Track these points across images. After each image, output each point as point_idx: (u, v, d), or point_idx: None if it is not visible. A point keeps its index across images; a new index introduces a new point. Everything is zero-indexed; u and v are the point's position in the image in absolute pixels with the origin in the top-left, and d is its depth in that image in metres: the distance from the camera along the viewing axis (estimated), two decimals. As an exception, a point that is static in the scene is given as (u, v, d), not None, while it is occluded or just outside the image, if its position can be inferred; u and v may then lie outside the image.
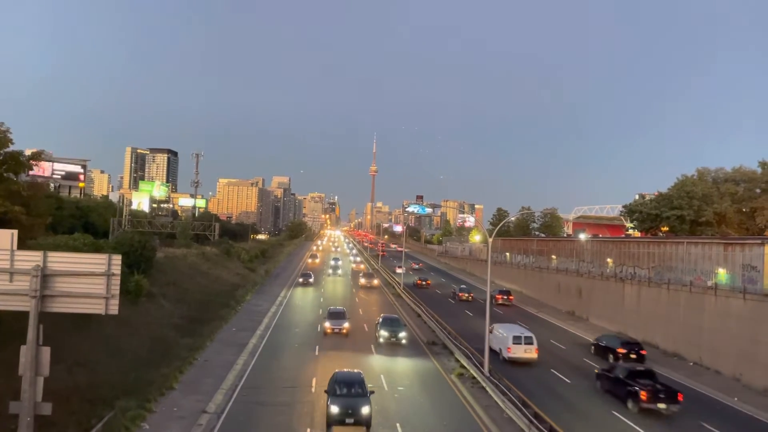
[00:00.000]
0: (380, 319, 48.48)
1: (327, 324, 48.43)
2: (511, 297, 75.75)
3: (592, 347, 47.89)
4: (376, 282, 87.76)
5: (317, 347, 44.25)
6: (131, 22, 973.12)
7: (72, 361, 29.34)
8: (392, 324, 46.73)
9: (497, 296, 73.80)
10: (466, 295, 77.58)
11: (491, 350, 39.89)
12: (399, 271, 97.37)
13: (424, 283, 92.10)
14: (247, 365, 38.28)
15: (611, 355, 44.22)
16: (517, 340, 42.36)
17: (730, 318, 41.70)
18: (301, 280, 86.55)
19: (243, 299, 64.80)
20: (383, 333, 45.37)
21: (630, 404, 32.55)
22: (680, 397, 32.02)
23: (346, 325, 48.48)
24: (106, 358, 32.76)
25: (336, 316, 49.59)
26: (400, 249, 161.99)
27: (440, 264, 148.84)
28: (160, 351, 37.86)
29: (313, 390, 33.22)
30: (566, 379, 38.99)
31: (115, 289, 20.18)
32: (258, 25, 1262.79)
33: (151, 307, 47.71)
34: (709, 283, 46.37)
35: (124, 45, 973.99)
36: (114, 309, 20.27)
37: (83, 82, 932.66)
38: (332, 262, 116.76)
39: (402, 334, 45.47)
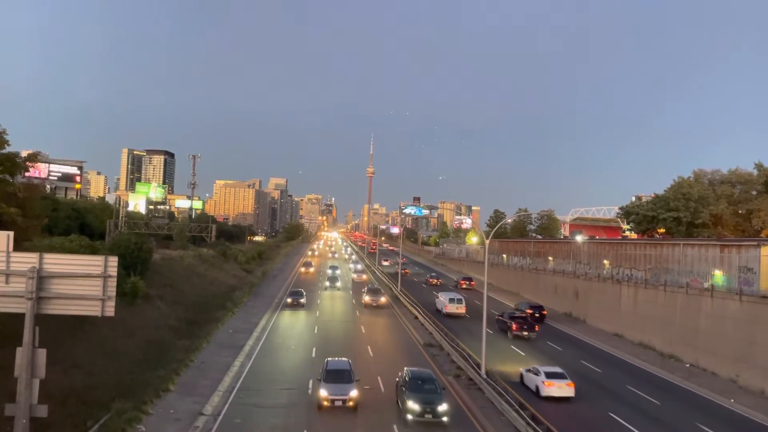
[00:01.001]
0: (406, 377, 31.31)
1: (323, 392, 29.81)
2: (472, 283, 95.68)
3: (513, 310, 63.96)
4: (383, 300, 69.55)
5: None
6: (128, 23, 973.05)
7: (68, 363, 29.28)
8: (425, 388, 30.12)
9: (461, 282, 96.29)
10: (435, 280, 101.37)
11: (436, 310, 65.00)
12: (385, 263, 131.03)
13: (403, 271, 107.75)
14: (243, 367, 38.24)
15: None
16: (451, 301, 64.54)
17: (727, 320, 41.79)
18: (289, 300, 65.73)
19: (240, 301, 64.73)
20: (413, 406, 28.67)
21: (508, 334, 52.69)
22: (537, 329, 53.96)
23: (354, 393, 30.04)
24: (102, 360, 32.70)
25: (337, 376, 31.11)
26: (391, 248, 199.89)
27: (436, 265, 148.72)
28: (156, 353, 37.82)
29: (309, 392, 33.23)
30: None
31: (112, 291, 20.14)
32: (255, 26, 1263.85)
33: (148, 308, 47.63)
34: (706, 285, 46.46)
35: (121, 45, 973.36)
36: (110, 311, 20.23)
37: (79, 83, 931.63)
38: (329, 272, 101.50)
39: (442, 408, 28.97)
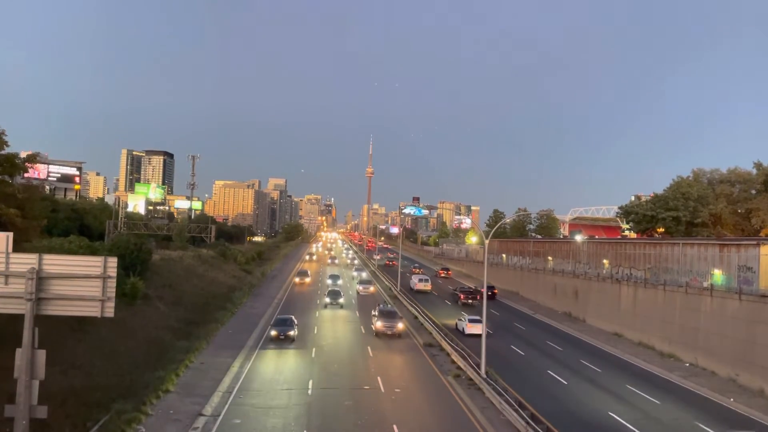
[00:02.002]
0: None
1: None
2: (449, 272, 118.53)
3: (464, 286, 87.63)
4: (400, 326, 51.77)
5: None
6: (127, 24, 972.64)
7: (68, 364, 29.26)
8: None
9: (440, 272, 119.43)
10: (418, 270, 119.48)
11: (409, 288, 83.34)
12: (376, 257, 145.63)
13: (390, 263, 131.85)
14: (243, 368, 38.22)
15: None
16: (420, 281, 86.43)
17: (726, 319, 41.79)
18: (274, 333, 47.10)
19: (239, 301, 64.73)
20: None
21: (458, 302, 74.77)
22: (479, 297, 72.09)
23: None
24: (102, 361, 32.68)
25: None
26: (386, 246, 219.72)
27: (435, 265, 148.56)
28: (156, 354, 37.79)
29: (309, 392, 33.23)
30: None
31: (111, 291, 20.09)
32: (254, 27, 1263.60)
33: (147, 309, 47.62)
34: (705, 284, 46.47)
35: (120, 46, 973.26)
36: (110, 312, 20.19)
37: (78, 84, 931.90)
38: (329, 282, 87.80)
39: None
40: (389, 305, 65.55)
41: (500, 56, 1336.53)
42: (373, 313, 56.57)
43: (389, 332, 50.93)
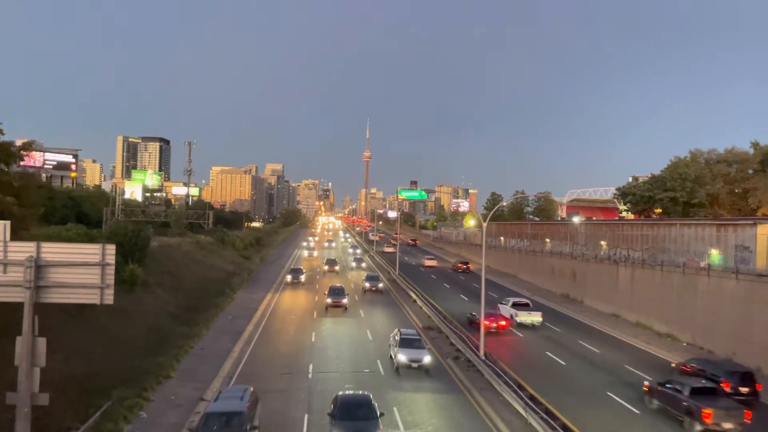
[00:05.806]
0: None
1: None
2: (417, 241, 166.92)
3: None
4: None
5: None
6: (122, 10, 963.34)
7: (68, 351, 29.32)
8: None
9: (409, 240, 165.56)
10: (381, 234, 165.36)
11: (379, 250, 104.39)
12: (357, 229, 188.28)
13: (365, 231, 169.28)
14: (243, 353, 38.38)
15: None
16: (372, 235, 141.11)
17: (723, 298, 42.02)
18: None
19: (239, 287, 64.81)
20: None
21: (390, 242, 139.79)
22: (393, 241, 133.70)
23: None
24: (103, 348, 32.78)
25: None
26: (369, 223, 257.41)
27: (433, 248, 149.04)
28: (156, 340, 37.92)
29: (309, 376, 33.39)
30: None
31: (110, 278, 20.09)
32: (249, 13, 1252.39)
33: (147, 296, 47.71)
34: (702, 264, 46.64)
35: (115, 33, 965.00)
36: (109, 299, 20.20)
37: (73, 71, 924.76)
38: (340, 396, 25.75)
39: None
40: None
41: (498, 38, 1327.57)
42: None
43: None
